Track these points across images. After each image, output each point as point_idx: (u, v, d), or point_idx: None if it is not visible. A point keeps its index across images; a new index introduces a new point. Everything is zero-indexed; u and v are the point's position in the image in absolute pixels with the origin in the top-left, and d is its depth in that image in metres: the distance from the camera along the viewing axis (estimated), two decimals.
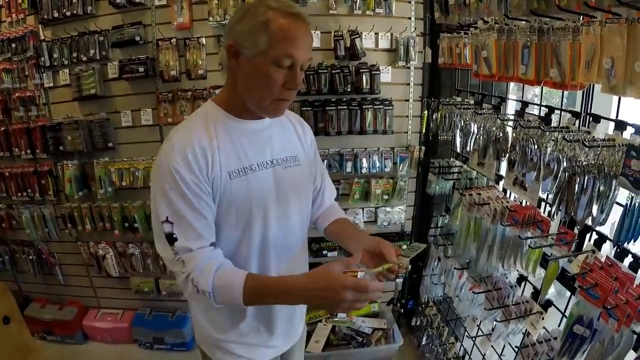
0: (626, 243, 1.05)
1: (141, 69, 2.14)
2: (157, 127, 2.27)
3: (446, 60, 1.93)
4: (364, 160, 2.28)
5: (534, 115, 1.40)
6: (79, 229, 2.40)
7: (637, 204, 1.01)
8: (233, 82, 0.99)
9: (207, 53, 2.14)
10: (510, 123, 1.48)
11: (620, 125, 1.09)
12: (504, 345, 1.59)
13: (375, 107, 2.21)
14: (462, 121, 1.73)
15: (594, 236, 1.18)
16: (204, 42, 2.13)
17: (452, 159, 2.13)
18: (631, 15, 0.95)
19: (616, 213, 1.07)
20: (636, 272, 1.02)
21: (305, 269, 1.22)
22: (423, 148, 2.32)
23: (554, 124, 1.30)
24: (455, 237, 1.82)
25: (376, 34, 2.19)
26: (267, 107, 0.98)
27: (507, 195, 1.60)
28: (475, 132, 1.63)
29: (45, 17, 2.16)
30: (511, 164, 1.39)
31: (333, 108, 2.19)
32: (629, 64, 0.97)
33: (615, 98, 1.10)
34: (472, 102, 1.79)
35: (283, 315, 1.15)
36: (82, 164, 2.33)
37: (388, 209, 2.41)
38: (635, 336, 0.97)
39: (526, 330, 1.39)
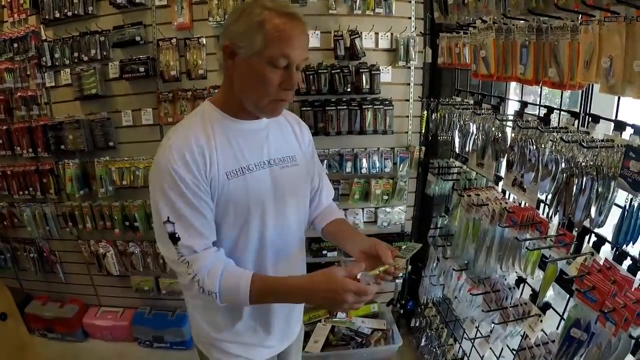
0: (625, 245, 1.04)
1: (142, 69, 2.15)
2: (157, 126, 2.28)
3: (445, 60, 1.92)
4: (364, 160, 2.27)
5: (533, 115, 1.39)
6: (79, 228, 2.42)
7: (636, 206, 0.99)
8: (229, 82, 0.99)
9: (207, 53, 2.15)
10: (509, 123, 1.47)
11: (620, 126, 1.07)
12: (502, 348, 1.57)
13: (375, 107, 2.20)
14: (461, 121, 1.72)
15: (593, 238, 1.17)
16: (204, 42, 2.13)
17: (451, 160, 2.11)
18: (630, 13, 0.94)
19: (616, 215, 1.06)
20: (635, 275, 1.01)
21: (303, 268, 1.23)
22: (423, 148, 2.31)
23: (555, 124, 1.29)
24: (454, 238, 1.81)
25: (376, 33, 2.18)
26: (264, 108, 0.98)
27: (506, 196, 1.58)
28: (474, 132, 1.62)
29: (47, 17, 2.17)
30: (510, 165, 1.37)
31: (333, 108, 2.18)
32: (627, 63, 0.95)
33: (616, 98, 1.09)
34: (471, 102, 1.77)
35: (280, 315, 1.15)
36: (83, 163, 2.34)
37: (388, 209, 2.40)
38: (633, 340, 0.95)
39: (524, 332, 1.37)
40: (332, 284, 0.89)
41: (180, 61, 2.17)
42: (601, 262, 1.07)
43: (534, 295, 1.38)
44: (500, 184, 1.61)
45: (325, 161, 2.26)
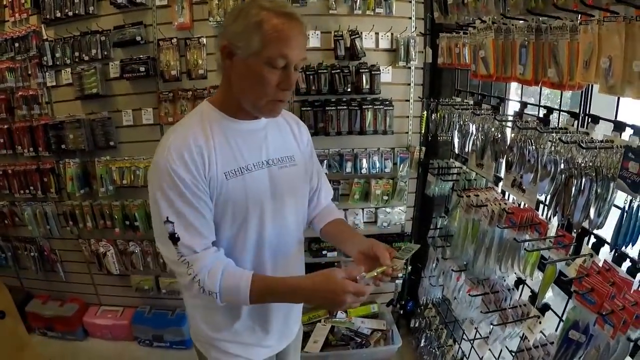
0: (624, 247, 1.03)
1: (142, 69, 2.15)
2: (157, 126, 2.28)
3: (445, 60, 1.92)
4: (364, 160, 2.27)
5: (533, 116, 1.38)
6: (80, 227, 2.43)
7: (635, 207, 0.99)
8: (228, 82, 0.99)
9: (207, 53, 2.15)
10: (509, 124, 1.46)
11: (619, 127, 1.07)
12: (501, 349, 1.56)
13: (375, 107, 2.19)
14: (461, 122, 1.71)
15: (592, 240, 1.16)
16: (205, 42, 2.14)
17: (451, 160, 2.11)
18: (629, 13, 0.93)
19: (615, 216, 1.05)
20: (634, 277, 1.00)
21: (302, 268, 1.23)
22: (423, 149, 2.31)
23: (556, 125, 1.28)
24: (453, 238, 1.80)
25: (376, 33, 2.18)
26: (262, 108, 0.98)
27: (506, 197, 1.58)
28: (474, 133, 1.61)
29: (48, 17, 2.18)
30: (509, 166, 1.37)
31: (333, 108, 2.18)
32: (627, 63, 0.95)
33: (616, 98, 1.08)
34: (471, 102, 1.77)
35: (279, 315, 1.15)
36: (84, 162, 2.35)
37: (388, 209, 2.39)
38: (631, 343, 0.94)
39: (523, 334, 1.37)
40: (332, 285, 0.91)
41: (181, 61, 2.17)
42: (600, 264, 1.07)
43: (533, 297, 1.38)
44: (500, 184, 1.60)
45: (325, 161, 2.25)
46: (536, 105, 1.43)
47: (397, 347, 2.27)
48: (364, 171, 2.27)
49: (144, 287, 2.52)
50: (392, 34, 2.19)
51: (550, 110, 1.31)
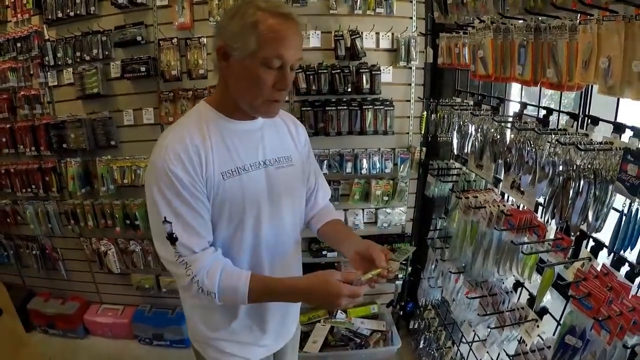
0: (623, 251, 1.01)
1: (143, 69, 2.16)
2: (158, 125, 2.29)
3: (445, 61, 1.90)
4: (364, 160, 2.26)
5: (533, 117, 1.36)
6: (81, 225, 2.44)
7: (634, 211, 0.97)
8: (224, 82, 0.99)
9: (207, 53, 2.15)
10: (509, 125, 1.44)
11: (619, 128, 1.05)
12: (499, 353, 1.55)
13: (375, 107, 2.18)
14: (460, 122, 1.69)
15: (591, 243, 1.14)
16: (205, 42, 2.14)
17: (451, 161, 2.09)
18: (629, 12, 0.92)
19: (614, 219, 1.03)
20: (632, 282, 0.98)
21: (299, 269, 1.23)
22: (424, 149, 2.29)
23: (558, 126, 1.26)
24: (452, 240, 1.79)
25: (377, 33, 2.17)
26: (258, 108, 0.98)
27: (505, 198, 1.56)
28: (473, 133, 1.60)
29: (50, 17, 2.20)
30: (507, 167, 1.35)
31: (333, 108, 2.17)
32: (626, 63, 0.93)
33: (616, 99, 1.06)
34: (471, 103, 1.75)
35: (276, 314, 1.15)
36: (85, 162, 2.36)
37: (388, 210, 2.38)
38: (628, 350, 0.93)
39: (521, 337, 1.35)
40: (329, 287, 0.92)
41: (181, 61, 2.18)
42: (598, 268, 1.05)
43: (532, 300, 1.36)
44: (499, 186, 1.58)
45: (326, 161, 2.25)
46: (535, 105, 1.41)
47: (396, 348, 2.26)
48: (364, 171, 2.26)
49: (144, 285, 2.53)
50: (392, 33, 2.17)
51: (549, 111, 1.29)
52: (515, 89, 1.83)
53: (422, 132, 2.24)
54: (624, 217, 0.99)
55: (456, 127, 1.71)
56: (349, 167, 2.27)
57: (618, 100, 1.07)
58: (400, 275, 2.35)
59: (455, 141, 1.75)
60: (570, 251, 1.18)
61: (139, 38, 2.14)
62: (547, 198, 1.16)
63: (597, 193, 1.02)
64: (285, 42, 0.90)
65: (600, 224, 1.04)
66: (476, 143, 1.57)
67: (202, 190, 0.95)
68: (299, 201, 1.17)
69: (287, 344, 1.26)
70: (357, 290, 0.92)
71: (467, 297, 1.60)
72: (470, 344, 1.72)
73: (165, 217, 0.93)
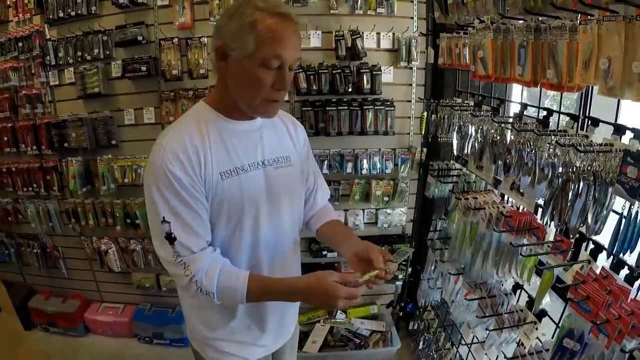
0: (622, 254, 1.00)
1: (144, 68, 2.16)
2: (159, 125, 2.29)
3: (445, 61, 1.89)
4: (365, 161, 2.25)
5: (533, 118, 1.35)
6: (82, 224, 2.45)
7: (634, 213, 0.96)
8: (223, 82, 0.99)
9: (208, 52, 2.15)
10: (508, 125, 1.43)
11: (619, 129, 1.04)
12: (497, 355, 1.54)
13: (376, 107, 2.18)
14: (460, 123, 1.69)
15: (591, 246, 1.13)
16: (206, 41, 2.14)
17: (452, 162, 2.08)
18: (629, 12, 0.90)
19: (614, 222, 1.02)
20: (631, 285, 0.97)
21: (298, 269, 1.23)
22: (425, 150, 2.28)
23: (558, 127, 1.25)
24: (451, 241, 1.78)
25: (378, 33, 2.16)
26: (257, 108, 0.97)
27: (505, 200, 1.55)
28: (473, 134, 1.59)
29: (51, 17, 2.20)
30: (507, 168, 1.34)
31: (334, 108, 2.16)
32: (626, 64, 0.92)
33: (617, 100, 1.05)
34: (472, 103, 1.74)
35: (275, 314, 1.15)
36: (86, 161, 2.37)
37: (389, 210, 2.37)
38: (626, 354, 0.92)
39: (520, 340, 1.34)
40: (326, 288, 0.92)
41: (182, 60, 2.18)
42: (598, 271, 1.04)
43: (531, 302, 1.35)
44: (499, 187, 1.57)
45: (326, 161, 2.24)
46: (535, 106, 1.40)
47: (395, 349, 2.25)
48: (364, 172, 2.26)
49: (145, 284, 2.53)
50: (393, 34, 2.17)
51: (550, 112, 1.28)
52: (516, 90, 1.82)
53: (423, 132, 2.23)
54: (623, 220, 0.98)
55: (456, 128, 1.70)
56: (349, 168, 2.26)
57: (619, 101, 1.06)
58: (400, 276, 2.35)
59: (455, 142, 1.74)
60: (569, 254, 1.17)
61: (139, 38, 2.15)
62: (546, 200, 1.15)
63: (596, 195, 1.01)
64: (283, 42, 0.90)
65: (600, 226, 1.03)
66: (476, 144, 1.56)
67: (201, 190, 0.95)
68: (297, 201, 1.17)
69: (286, 344, 1.26)
70: (354, 291, 0.92)
71: (466, 298, 1.60)
72: (469, 346, 1.72)
73: (163, 217, 0.93)
